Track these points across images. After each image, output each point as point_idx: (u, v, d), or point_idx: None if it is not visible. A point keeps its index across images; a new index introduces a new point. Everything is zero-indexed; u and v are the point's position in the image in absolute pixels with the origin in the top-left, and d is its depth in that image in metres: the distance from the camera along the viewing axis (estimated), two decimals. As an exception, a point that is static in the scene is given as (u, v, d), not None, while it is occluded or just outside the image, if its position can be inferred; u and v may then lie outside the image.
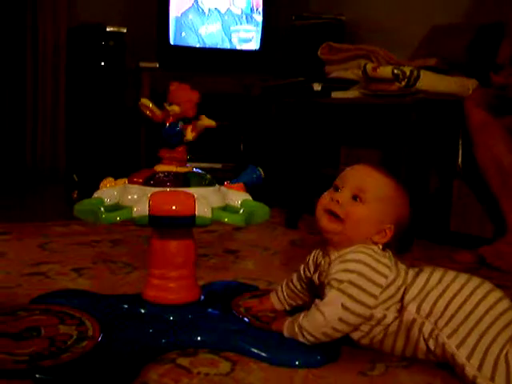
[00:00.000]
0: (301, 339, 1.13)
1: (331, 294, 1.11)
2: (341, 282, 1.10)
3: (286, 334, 1.16)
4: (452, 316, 1.07)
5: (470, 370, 1.03)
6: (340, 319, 1.09)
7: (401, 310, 1.11)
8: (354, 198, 1.16)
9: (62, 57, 3.77)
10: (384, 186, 1.18)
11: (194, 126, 1.25)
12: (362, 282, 1.10)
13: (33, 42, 3.74)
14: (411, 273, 1.15)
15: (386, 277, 1.11)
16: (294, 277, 1.33)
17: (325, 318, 1.09)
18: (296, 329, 1.13)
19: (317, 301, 1.14)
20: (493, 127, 2.05)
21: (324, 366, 1.11)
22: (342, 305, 1.09)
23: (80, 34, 3.70)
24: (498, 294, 1.09)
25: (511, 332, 1.05)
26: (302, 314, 1.15)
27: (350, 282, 1.10)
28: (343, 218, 1.16)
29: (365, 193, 1.17)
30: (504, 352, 1.02)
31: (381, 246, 1.16)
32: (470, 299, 1.07)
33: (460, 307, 1.07)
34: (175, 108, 1.21)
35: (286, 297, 1.34)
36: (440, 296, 1.09)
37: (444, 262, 2.01)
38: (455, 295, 1.08)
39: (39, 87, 3.76)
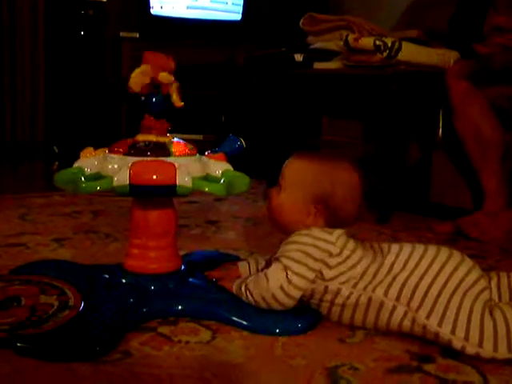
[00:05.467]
0: (243, 298, 1.17)
1: (275, 265, 1.15)
2: (282, 256, 1.15)
3: (234, 291, 1.20)
4: (424, 295, 1.08)
5: (458, 342, 1.05)
6: (281, 287, 1.12)
7: (358, 285, 1.12)
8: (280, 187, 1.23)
9: (40, 26, 3.70)
10: (296, 170, 1.22)
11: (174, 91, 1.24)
12: (300, 256, 1.13)
13: (9, 10, 3.65)
14: (371, 252, 1.16)
15: (327, 252, 1.13)
16: (269, 256, 1.34)
17: (268, 283, 1.13)
18: (242, 288, 1.17)
19: (265, 269, 1.18)
20: (474, 98, 2.06)
21: (304, 334, 1.13)
22: (286, 275, 1.12)
23: (59, 3, 3.63)
24: (467, 264, 1.11)
25: (484, 299, 1.08)
26: (252, 277, 1.19)
27: (290, 258, 1.14)
28: (267, 208, 1.24)
29: (283, 181, 1.22)
30: (487, 316, 1.05)
31: (325, 228, 1.17)
32: (441, 274, 1.09)
33: (432, 284, 1.08)
34: (168, 77, 1.20)
35: (259, 270, 1.31)
36: (409, 275, 1.10)
37: (423, 233, 2.04)
38: (425, 272, 1.10)
39: (17, 57, 3.69)
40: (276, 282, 1.13)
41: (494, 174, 2.05)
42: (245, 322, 1.14)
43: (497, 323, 1.05)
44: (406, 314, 1.10)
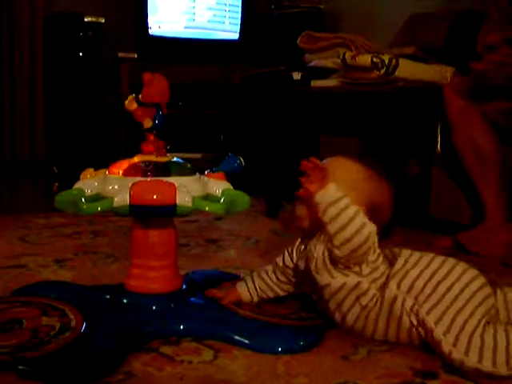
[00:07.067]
0: (332, 207, 1.10)
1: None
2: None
3: (323, 193, 1.12)
4: (431, 292, 1.10)
5: (446, 346, 1.06)
6: (364, 224, 1.10)
7: (382, 288, 1.13)
8: None
9: (39, 47, 3.72)
10: (350, 171, 1.23)
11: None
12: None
13: (9, 31, 3.67)
14: (390, 255, 1.19)
15: (373, 245, 1.14)
16: (270, 268, 1.34)
17: (369, 226, 1.11)
18: (345, 200, 1.11)
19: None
20: (471, 114, 2.07)
21: (306, 352, 1.12)
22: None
23: (57, 24, 3.66)
24: (473, 272, 1.14)
25: (485, 308, 1.09)
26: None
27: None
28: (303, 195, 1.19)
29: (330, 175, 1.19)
30: (480, 328, 1.06)
31: None
32: (448, 277, 1.11)
33: (438, 284, 1.11)
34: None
35: (258, 288, 1.33)
36: (420, 273, 1.13)
37: (422, 247, 2.03)
38: (434, 273, 1.12)
39: (16, 78, 3.70)
40: (372, 233, 1.11)
41: (492, 189, 2.05)
42: (247, 341, 1.13)
43: (484, 338, 1.05)
44: (412, 308, 1.10)
